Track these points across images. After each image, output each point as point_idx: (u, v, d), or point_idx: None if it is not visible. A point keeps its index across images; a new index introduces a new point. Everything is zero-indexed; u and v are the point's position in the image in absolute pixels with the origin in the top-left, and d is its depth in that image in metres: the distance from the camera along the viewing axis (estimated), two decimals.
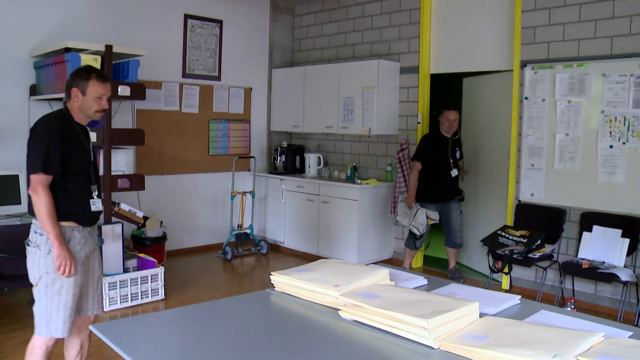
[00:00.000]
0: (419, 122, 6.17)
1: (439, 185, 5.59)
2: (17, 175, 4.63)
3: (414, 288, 2.35)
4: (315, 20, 7.31)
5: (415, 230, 5.63)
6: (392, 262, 6.38)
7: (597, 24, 4.84)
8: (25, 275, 3.72)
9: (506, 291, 5.26)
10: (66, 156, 2.74)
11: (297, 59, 7.59)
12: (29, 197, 2.76)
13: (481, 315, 1.94)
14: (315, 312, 2.07)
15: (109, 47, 4.63)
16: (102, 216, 3.20)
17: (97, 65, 4.60)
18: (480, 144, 6.12)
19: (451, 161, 5.55)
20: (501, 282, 5.54)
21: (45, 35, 5.31)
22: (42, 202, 2.68)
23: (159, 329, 1.95)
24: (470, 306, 1.88)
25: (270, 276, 2.32)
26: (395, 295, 2.02)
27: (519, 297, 2.26)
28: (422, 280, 2.47)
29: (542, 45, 5.19)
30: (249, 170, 7.12)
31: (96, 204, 2.92)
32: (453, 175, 5.55)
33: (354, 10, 6.82)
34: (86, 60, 4.54)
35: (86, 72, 2.86)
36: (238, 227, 6.62)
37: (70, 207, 2.81)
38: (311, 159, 6.86)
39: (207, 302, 2.25)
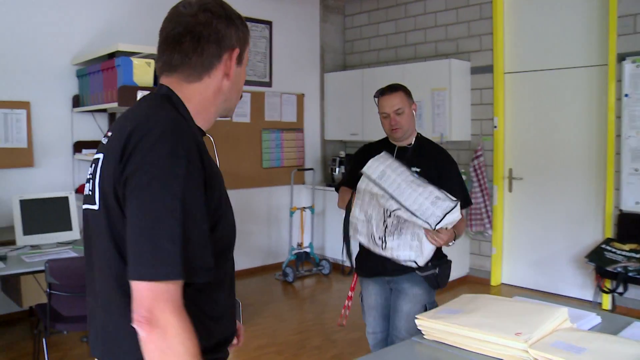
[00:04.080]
0: (495, 127, 5.59)
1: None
2: (67, 198, 4.11)
3: (589, 329, 1.92)
4: (369, 20, 6.78)
5: None
6: (467, 279, 5.82)
7: None
8: (83, 317, 3.27)
9: (610, 312, 4.63)
10: (214, 218, 1.24)
11: (349, 62, 7.06)
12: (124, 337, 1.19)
13: None
14: None
15: None
16: None
17: (152, 70, 4.14)
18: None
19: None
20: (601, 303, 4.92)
21: (88, 41, 4.85)
22: (178, 346, 1.07)
23: None
24: None
25: (416, 321, 1.88)
26: (601, 347, 1.59)
27: None
28: (596, 318, 2.03)
29: None
30: (304, 183, 6.58)
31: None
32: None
33: (414, 7, 6.27)
34: (139, 65, 4.09)
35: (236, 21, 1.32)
36: (297, 246, 6.07)
37: (221, 328, 1.35)
38: None
39: None
